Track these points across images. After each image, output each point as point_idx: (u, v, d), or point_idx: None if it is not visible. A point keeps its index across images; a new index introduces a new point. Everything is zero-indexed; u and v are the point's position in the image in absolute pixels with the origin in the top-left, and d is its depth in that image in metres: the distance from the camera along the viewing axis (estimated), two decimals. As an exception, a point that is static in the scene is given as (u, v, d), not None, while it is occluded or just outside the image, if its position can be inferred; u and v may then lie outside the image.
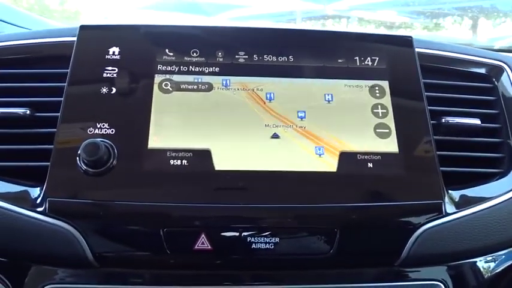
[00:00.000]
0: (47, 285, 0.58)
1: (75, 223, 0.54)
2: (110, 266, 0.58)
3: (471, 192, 0.61)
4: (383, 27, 1.54)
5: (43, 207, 0.54)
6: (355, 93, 0.62)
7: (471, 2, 1.53)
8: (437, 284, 0.61)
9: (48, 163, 0.55)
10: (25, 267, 0.58)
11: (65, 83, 0.60)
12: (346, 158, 0.58)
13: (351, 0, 1.60)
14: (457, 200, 0.60)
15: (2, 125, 0.60)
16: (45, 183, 0.55)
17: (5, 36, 0.67)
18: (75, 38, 0.63)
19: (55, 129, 0.57)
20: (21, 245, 0.56)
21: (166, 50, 0.62)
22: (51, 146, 0.56)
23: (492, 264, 0.64)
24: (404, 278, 0.62)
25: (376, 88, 0.63)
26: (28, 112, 0.60)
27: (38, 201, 0.55)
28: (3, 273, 0.58)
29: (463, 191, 0.61)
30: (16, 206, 0.55)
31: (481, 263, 0.63)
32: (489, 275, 0.63)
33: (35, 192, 0.56)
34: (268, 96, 0.61)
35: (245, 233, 0.55)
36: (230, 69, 0.62)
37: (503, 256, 0.64)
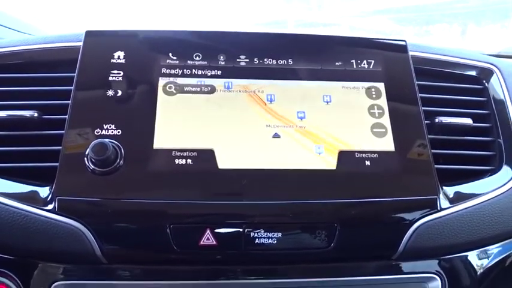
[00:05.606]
0: (56, 281, 0.59)
1: (83, 221, 0.56)
2: (118, 263, 0.59)
3: (464, 188, 0.64)
4: (373, 34, 1.56)
5: (52, 205, 0.56)
6: (353, 95, 0.65)
7: (461, 10, 1.56)
8: (433, 277, 0.64)
9: (57, 164, 0.57)
10: (34, 265, 0.59)
11: (71, 86, 0.61)
12: (344, 156, 0.60)
13: (342, 8, 1.63)
14: (451, 196, 0.62)
15: (11, 127, 0.62)
16: (54, 183, 0.56)
17: (11, 41, 0.69)
18: (81, 43, 0.65)
19: (63, 131, 0.59)
20: (31, 243, 0.57)
21: (170, 54, 0.64)
22: (59, 147, 0.58)
23: (485, 258, 0.66)
24: (401, 271, 0.63)
25: (373, 89, 0.65)
26: (36, 115, 0.62)
27: (47, 200, 0.57)
28: (12, 271, 0.59)
29: (456, 187, 0.64)
30: (25, 204, 0.56)
31: (474, 256, 0.65)
32: (482, 268, 0.66)
33: (44, 191, 0.58)
34: (268, 97, 0.63)
35: (248, 229, 0.57)
36: (232, 72, 0.64)
37: (495, 250, 0.66)
